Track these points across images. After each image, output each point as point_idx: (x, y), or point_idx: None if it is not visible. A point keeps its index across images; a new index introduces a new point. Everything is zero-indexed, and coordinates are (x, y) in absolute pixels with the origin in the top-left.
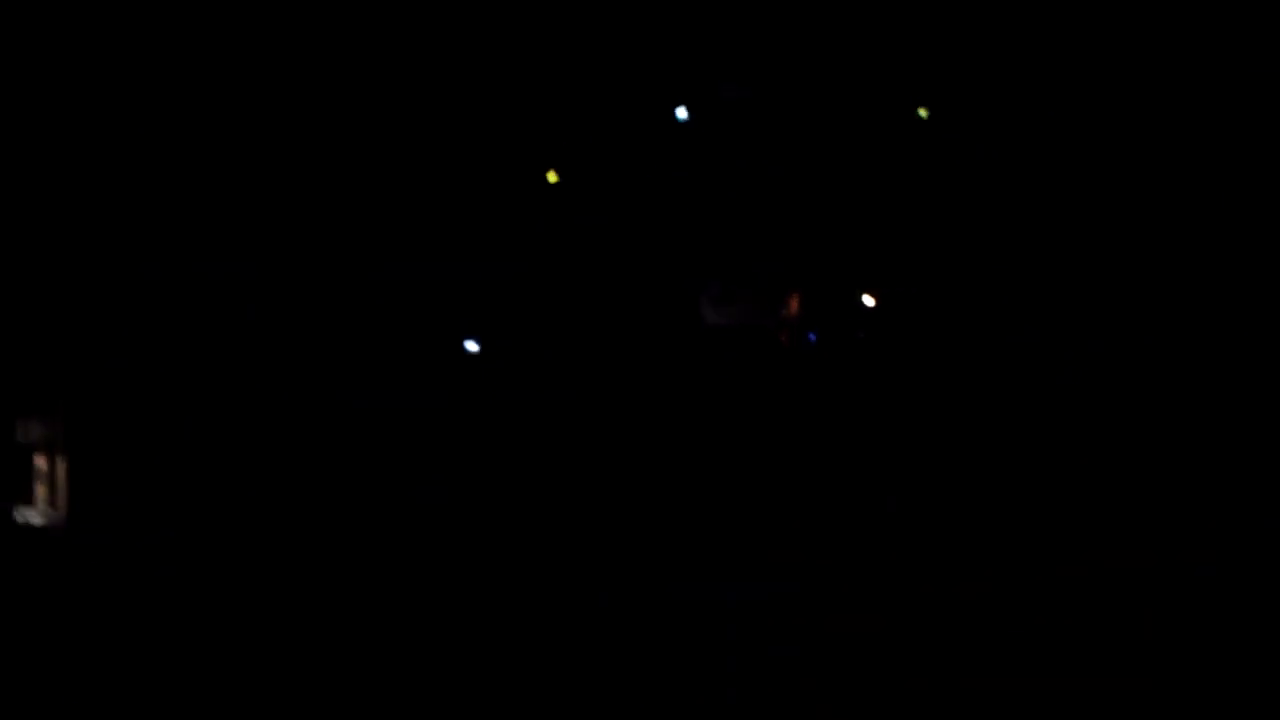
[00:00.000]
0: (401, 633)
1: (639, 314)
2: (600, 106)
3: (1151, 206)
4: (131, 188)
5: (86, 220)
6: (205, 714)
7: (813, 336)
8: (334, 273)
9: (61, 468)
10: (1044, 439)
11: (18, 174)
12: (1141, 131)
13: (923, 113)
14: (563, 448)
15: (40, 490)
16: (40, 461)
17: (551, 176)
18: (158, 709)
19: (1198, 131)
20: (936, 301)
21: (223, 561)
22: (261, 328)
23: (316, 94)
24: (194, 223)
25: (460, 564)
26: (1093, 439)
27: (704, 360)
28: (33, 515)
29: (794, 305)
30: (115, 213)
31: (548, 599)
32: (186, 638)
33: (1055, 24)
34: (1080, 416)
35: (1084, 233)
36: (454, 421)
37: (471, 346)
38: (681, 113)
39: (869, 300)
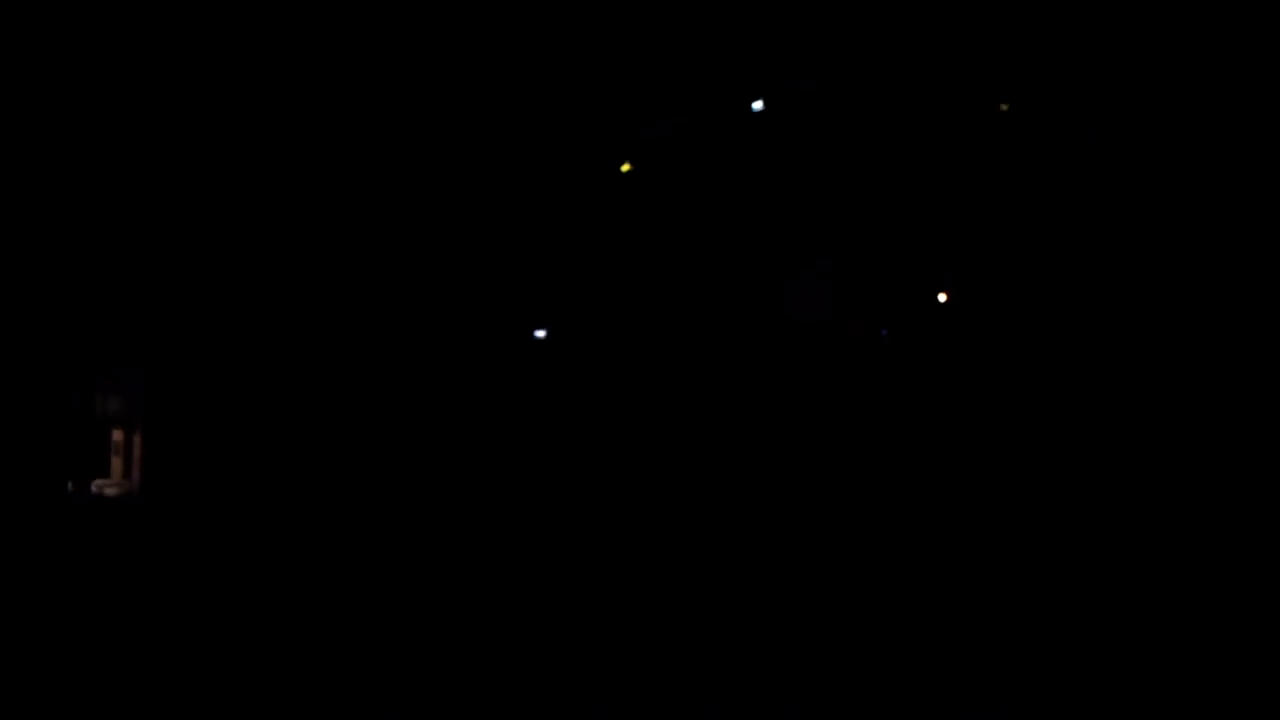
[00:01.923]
0: (475, 622)
1: (711, 305)
2: (675, 99)
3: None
4: (210, 176)
5: (163, 208)
6: (271, 681)
7: (885, 331)
8: (408, 258)
9: (137, 442)
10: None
11: (100, 166)
12: (1223, 140)
13: (1004, 107)
14: (636, 435)
15: (116, 464)
16: (117, 435)
17: (625, 167)
18: (223, 674)
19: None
20: (1010, 298)
21: (289, 534)
22: (331, 308)
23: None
24: (266, 210)
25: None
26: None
27: (777, 351)
28: (109, 488)
29: (869, 299)
30: (192, 201)
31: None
32: (253, 608)
33: (1137, 19)
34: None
35: (1176, 230)
36: (530, 411)
37: (539, 334)
38: (758, 105)
39: (942, 296)
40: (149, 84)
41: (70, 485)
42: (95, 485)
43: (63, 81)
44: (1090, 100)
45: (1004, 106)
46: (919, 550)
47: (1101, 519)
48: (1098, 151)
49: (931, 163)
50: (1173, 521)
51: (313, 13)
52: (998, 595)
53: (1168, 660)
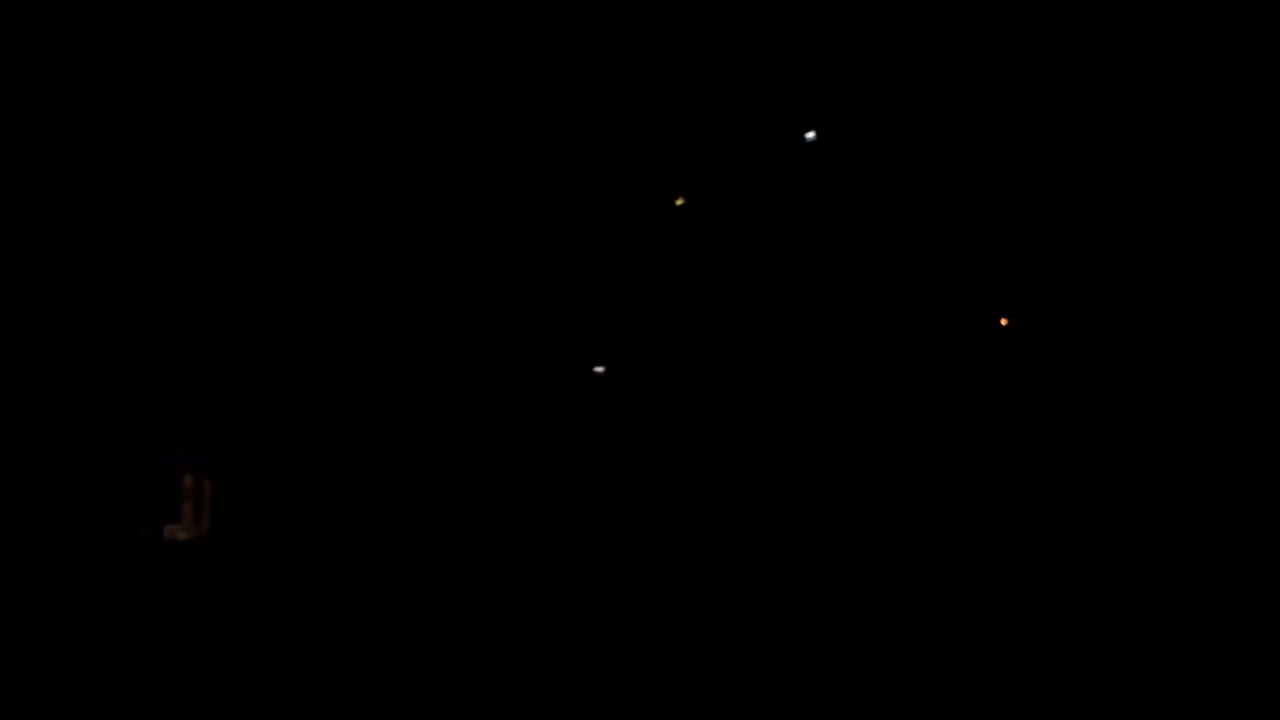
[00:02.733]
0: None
1: (761, 335)
2: (730, 126)
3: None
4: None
5: (231, 243)
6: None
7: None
8: (467, 282)
9: (207, 485)
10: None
11: (160, 200)
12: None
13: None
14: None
15: (187, 508)
16: (187, 479)
17: (679, 201)
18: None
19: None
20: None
21: (361, 576)
22: (391, 344)
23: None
24: (324, 244)
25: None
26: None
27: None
28: (180, 532)
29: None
30: (259, 250)
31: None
32: (326, 651)
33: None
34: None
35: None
36: (573, 430)
37: (599, 369)
38: (810, 135)
39: (1004, 322)
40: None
41: (142, 531)
42: (167, 531)
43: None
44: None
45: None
46: (921, 551)
47: (1101, 522)
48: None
49: (988, 186)
50: (1172, 522)
51: (318, 23)
52: (998, 596)
53: (1168, 660)
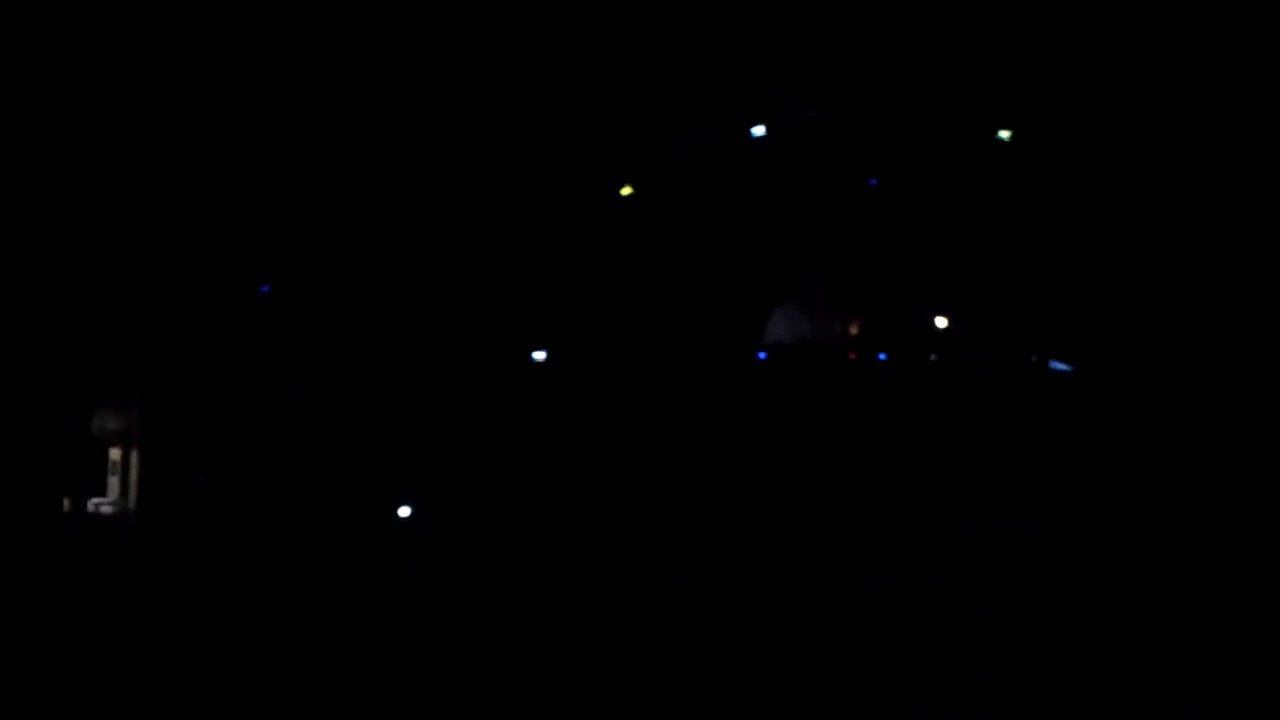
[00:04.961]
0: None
1: (705, 330)
2: (674, 122)
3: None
4: (206, 188)
5: (157, 218)
6: (259, 702)
7: (883, 356)
8: (398, 272)
9: (135, 459)
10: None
11: (91, 176)
12: (1224, 162)
13: (1004, 134)
14: (618, 462)
15: (113, 482)
16: (114, 453)
17: (625, 190)
18: (218, 692)
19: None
20: (1009, 324)
21: (286, 552)
22: (326, 321)
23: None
24: (262, 221)
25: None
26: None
27: (769, 378)
28: (105, 506)
29: (858, 325)
30: (188, 211)
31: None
32: (248, 628)
33: (1134, 49)
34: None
35: (1166, 257)
36: (519, 430)
37: (538, 356)
38: (758, 130)
39: (941, 321)
40: (138, 101)
41: (66, 504)
42: (92, 504)
43: (52, 101)
44: (1092, 129)
45: (1004, 134)
46: (914, 555)
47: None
48: (1100, 181)
49: (933, 187)
50: (1170, 524)
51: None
52: (997, 598)
53: (1167, 661)
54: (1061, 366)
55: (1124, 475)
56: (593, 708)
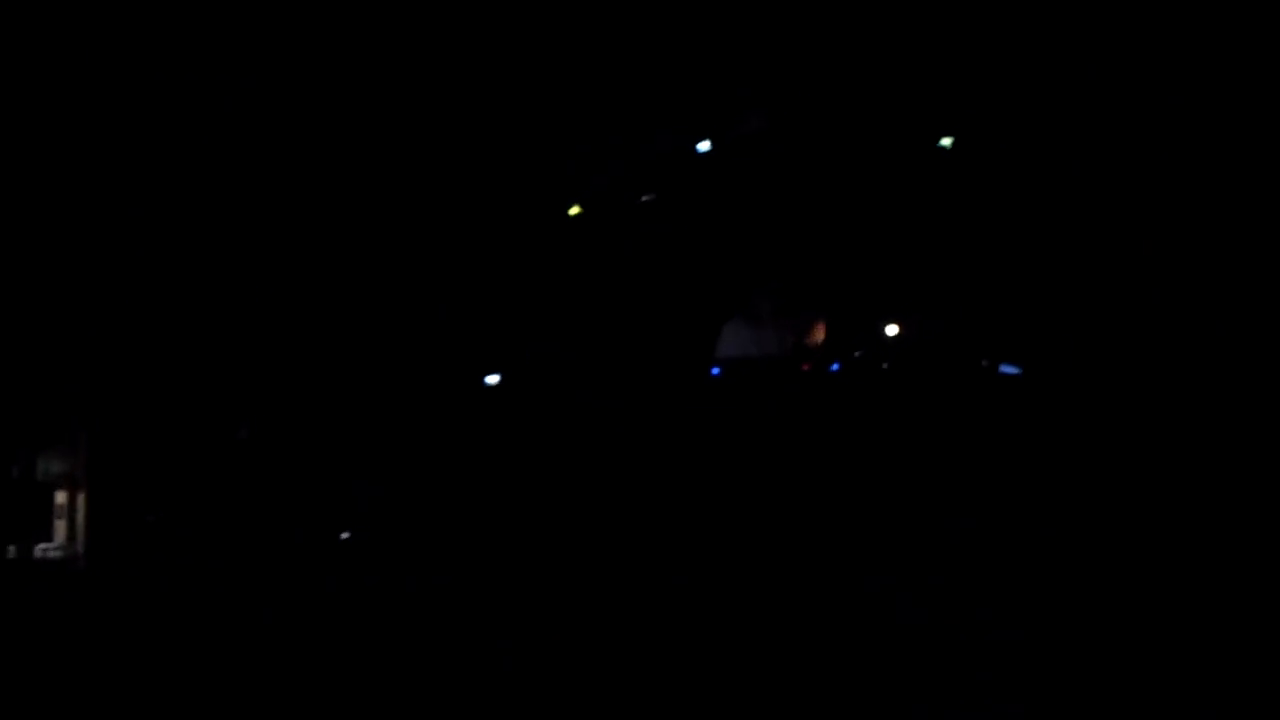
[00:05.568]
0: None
1: (658, 342)
2: (625, 137)
3: (1193, 241)
4: (158, 227)
5: (104, 257)
6: None
7: (836, 366)
8: (357, 304)
9: (82, 503)
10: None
11: (28, 216)
12: (1176, 159)
13: (946, 142)
14: (581, 469)
15: (60, 526)
16: (60, 497)
17: (574, 210)
18: None
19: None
20: (960, 330)
21: (240, 592)
22: (279, 361)
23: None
24: (215, 258)
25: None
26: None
27: (723, 390)
28: (52, 550)
29: (818, 334)
30: (136, 250)
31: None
32: (203, 669)
33: (1082, 52)
34: (1107, 444)
35: (1110, 260)
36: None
37: (492, 379)
38: (704, 145)
39: (892, 329)
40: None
41: (11, 550)
42: (39, 549)
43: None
44: (1035, 133)
45: (946, 141)
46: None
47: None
48: (1046, 185)
49: (881, 196)
50: (1170, 525)
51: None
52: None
53: (1167, 661)
54: (1012, 370)
55: (1096, 477)
56: (592, 708)
